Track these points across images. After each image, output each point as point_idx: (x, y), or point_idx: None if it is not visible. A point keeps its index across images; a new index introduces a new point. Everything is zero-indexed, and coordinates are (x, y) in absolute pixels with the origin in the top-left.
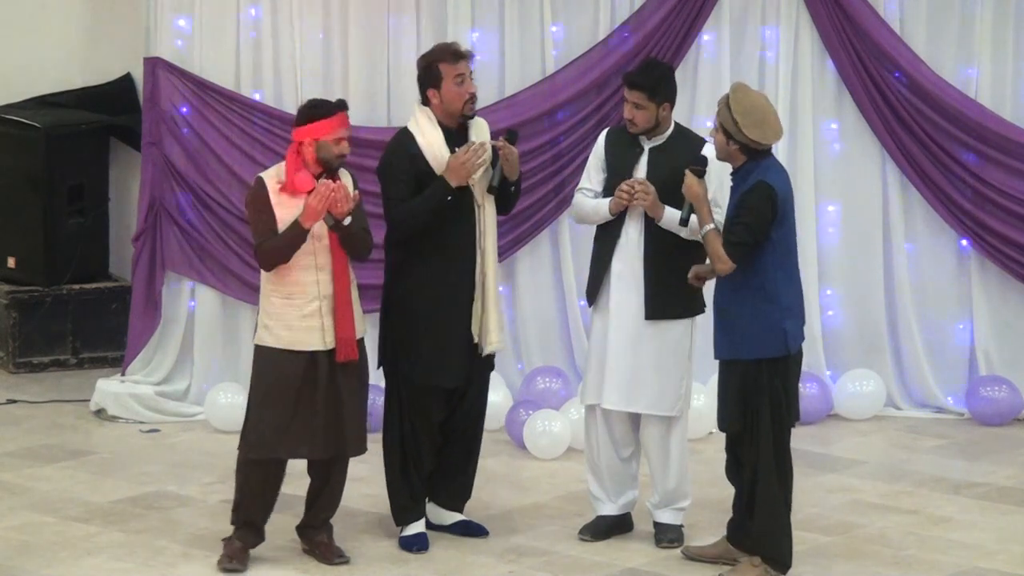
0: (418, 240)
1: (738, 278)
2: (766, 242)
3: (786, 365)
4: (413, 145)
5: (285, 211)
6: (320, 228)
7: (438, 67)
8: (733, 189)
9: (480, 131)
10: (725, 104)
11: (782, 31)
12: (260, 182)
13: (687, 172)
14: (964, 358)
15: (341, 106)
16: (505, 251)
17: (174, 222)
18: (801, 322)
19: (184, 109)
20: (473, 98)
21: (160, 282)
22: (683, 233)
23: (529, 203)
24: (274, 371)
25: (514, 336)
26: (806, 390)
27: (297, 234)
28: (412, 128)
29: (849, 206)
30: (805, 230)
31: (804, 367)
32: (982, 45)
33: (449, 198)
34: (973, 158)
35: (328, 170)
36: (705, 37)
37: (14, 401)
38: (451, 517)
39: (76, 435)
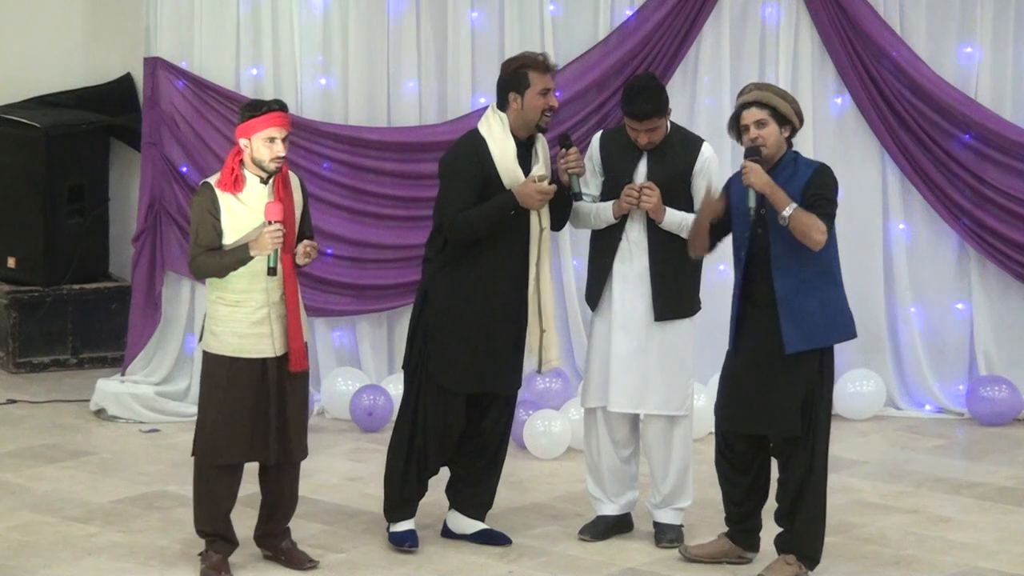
0: (470, 245)
1: (804, 266)
2: None
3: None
4: (485, 151)
5: (232, 217)
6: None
7: (527, 73)
8: (781, 179)
9: (543, 146)
10: (777, 94)
11: (782, 31)
12: (208, 187)
13: (746, 162)
14: (964, 358)
15: (275, 105)
16: None
17: (174, 222)
18: None
19: (184, 109)
20: (551, 110)
21: (160, 282)
22: (683, 233)
23: None
24: (227, 379)
25: None
26: None
27: (242, 259)
28: (484, 132)
29: (849, 204)
30: None
31: None
32: (982, 45)
33: (512, 212)
34: (972, 157)
35: (265, 171)
36: (705, 37)
37: (14, 401)
38: (472, 526)
39: (76, 435)
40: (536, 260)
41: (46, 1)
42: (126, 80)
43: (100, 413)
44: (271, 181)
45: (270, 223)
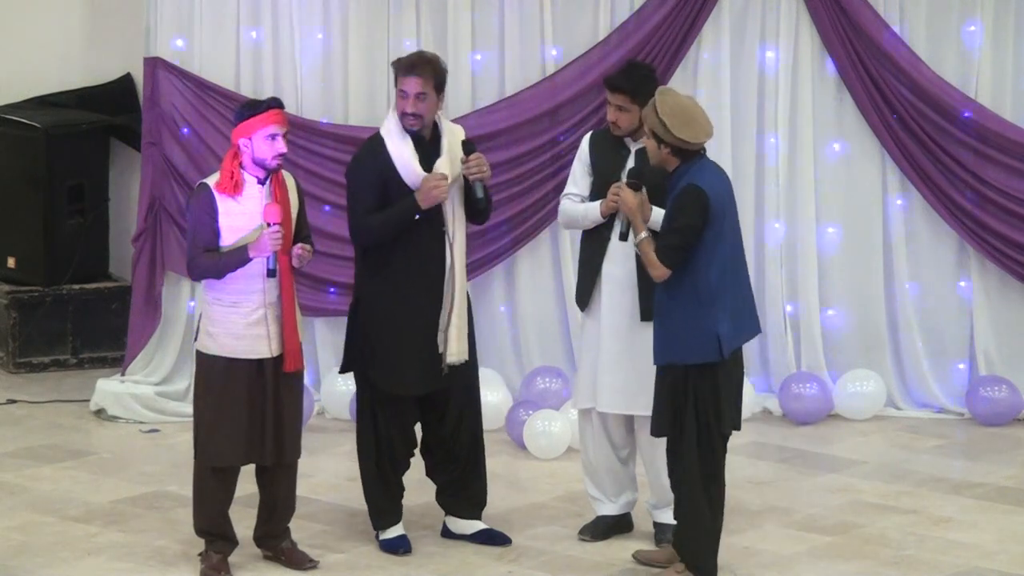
0: (387, 246)
1: (673, 281)
2: (699, 244)
3: (715, 371)
4: (383, 151)
5: (231, 219)
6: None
7: (396, 76)
8: (668, 193)
9: (453, 138)
10: (652, 109)
11: (782, 31)
12: (206, 188)
13: (623, 186)
14: (964, 358)
15: (273, 103)
16: (505, 251)
17: (174, 222)
18: (746, 323)
19: (184, 109)
20: (410, 117)
21: (160, 282)
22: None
23: (529, 203)
24: (223, 380)
25: (514, 336)
26: (806, 390)
27: (241, 260)
28: (383, 132)
29: (850, 205)
30: (805, 228)
31: (804, 367)
32: (982, 45)
33: (416, 216)
34: (972, 157)
35: (265, 170)
36: (705, 38)
37: (14, 401)
38: (472, 527)
39: (76, 435)
40: (450, 254)
41: (46, 1)
42: (126, 80)
43: (100, 413)
44: (268, 182)
45: (269, 225)
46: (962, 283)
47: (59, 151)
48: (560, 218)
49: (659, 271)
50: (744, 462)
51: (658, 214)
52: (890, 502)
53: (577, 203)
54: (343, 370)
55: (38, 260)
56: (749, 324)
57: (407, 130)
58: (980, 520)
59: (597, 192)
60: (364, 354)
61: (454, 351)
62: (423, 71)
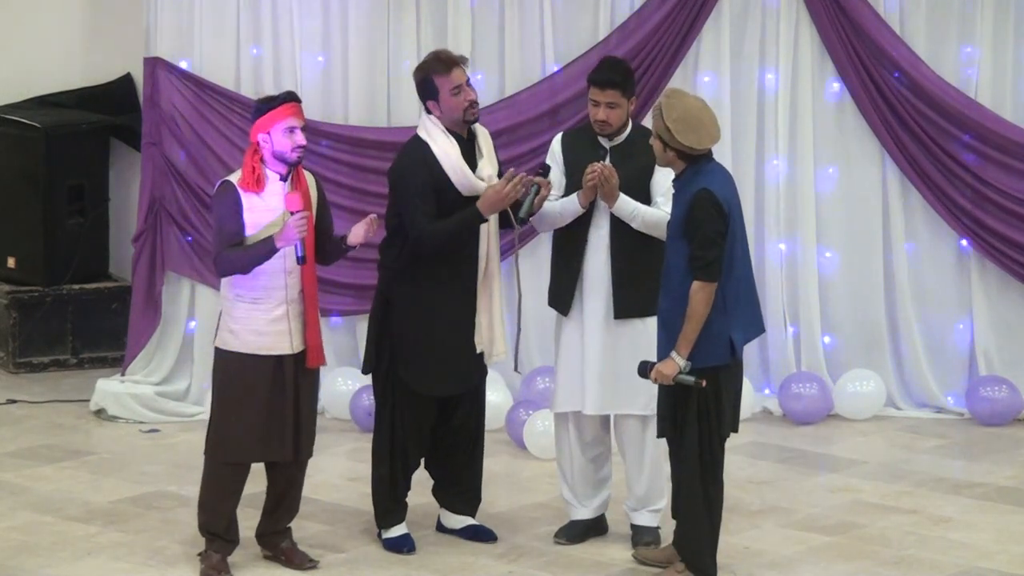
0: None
1: (682, 285)
2: None
3: (718, 374)
4: (428, 153)
5: (255, 215)
6: None
7: (433, 80)
8: (676, 196)
9: (486, 140)
10: (658, 112)
11: (782, 31)
12: (230, 185)
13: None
14: (964, 358)
15: (289, 97)
16: (505, 252)
17: (174, 222)
18: (752, 326)
19: (184, 109)
20: (473, 104)
21: (160, 282)
22: (634, 223)
23: None
24: (243, 376)
25: (513, 336)
26: (806, 390)
27: (268, 252)
28: (423, 136)
29: (849, 205)
30: (805, 229)
31: (804, 367)
32: (982, 45)
33: (481, 223)
34: (973, 158)
35: (286, 166)
36: (705, 37)
37: (14, 401)
38: (460, 521)
39: (76, 435)
40: (486, 254)
41: (46, 1)
42: (126, 80)
43: (100, 413)
44: (289, 178)
45: (292, 213)
46: (962, 283)
47: (59, 151)
48: (535, 219)
49: (704, 299)
50: (744, 462)
51: (624, 202)
52: (890, 502)
53: (551, 201)
54: (366, 371)
55: (38, 260)
56: (756, 324)
57: (469, 122)
58: (980, 520)
59: (572, 191)
60: (395, 356)
61: (500, 351)
62: (462, 62)
